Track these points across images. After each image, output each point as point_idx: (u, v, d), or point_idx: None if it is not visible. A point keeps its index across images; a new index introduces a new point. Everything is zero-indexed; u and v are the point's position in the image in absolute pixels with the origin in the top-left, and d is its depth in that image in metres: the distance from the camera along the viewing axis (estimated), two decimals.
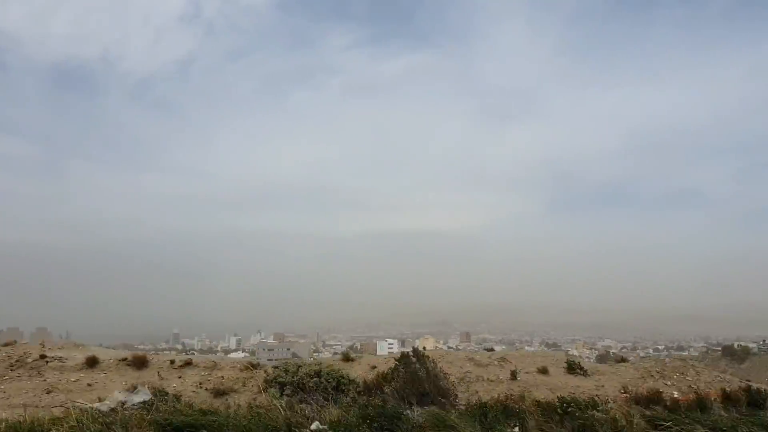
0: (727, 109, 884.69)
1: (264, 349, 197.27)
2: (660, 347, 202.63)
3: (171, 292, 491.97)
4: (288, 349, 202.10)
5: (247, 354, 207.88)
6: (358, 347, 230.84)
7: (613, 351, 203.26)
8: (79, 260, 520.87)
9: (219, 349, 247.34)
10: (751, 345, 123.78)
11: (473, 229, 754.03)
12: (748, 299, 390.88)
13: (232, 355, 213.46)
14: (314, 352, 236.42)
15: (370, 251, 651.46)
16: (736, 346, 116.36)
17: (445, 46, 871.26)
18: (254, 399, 16.80)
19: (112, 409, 11.82)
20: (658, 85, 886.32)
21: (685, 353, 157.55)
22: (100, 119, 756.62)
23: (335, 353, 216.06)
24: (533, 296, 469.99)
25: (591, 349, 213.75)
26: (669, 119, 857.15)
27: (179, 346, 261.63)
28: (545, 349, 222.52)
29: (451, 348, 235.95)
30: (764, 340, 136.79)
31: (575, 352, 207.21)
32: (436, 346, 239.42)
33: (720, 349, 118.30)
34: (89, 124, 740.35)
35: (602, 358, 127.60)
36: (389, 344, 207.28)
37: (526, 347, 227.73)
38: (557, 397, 12.80)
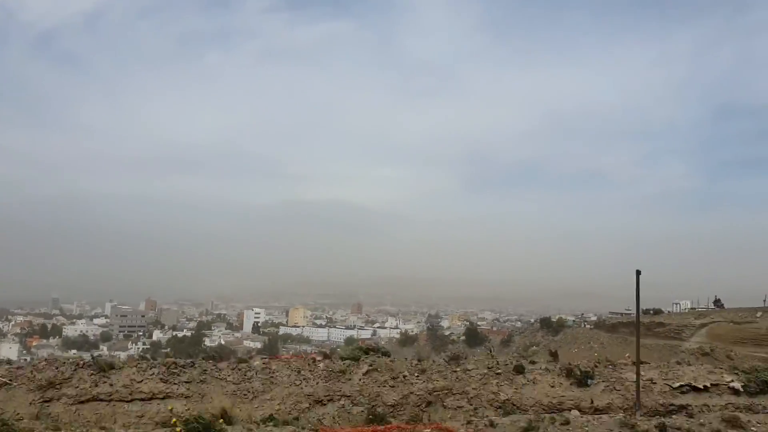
0: (634, 95, 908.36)
1: (117, 315, 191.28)
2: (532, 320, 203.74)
3: (61, 256, 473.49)
4: (142, 316, 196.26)
5: (108, 320, 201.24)
6: (234, 318, 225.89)
7: (479, 324, 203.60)
8: None
9: (93, 314, 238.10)
10: (569, 318, 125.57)
11: (388, 203, 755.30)
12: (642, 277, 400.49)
13: (96, 320, 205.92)
14: (190, 320, 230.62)
15: (284, 220, 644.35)
16: (553, 318, 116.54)
17: (365, 16, 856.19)
18: None
19: None
20: (571, 68, 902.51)
21: None
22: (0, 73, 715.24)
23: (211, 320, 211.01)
24: (443, 271, 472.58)
25: (464, 321, 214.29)
26: (580, 102, 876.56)
27: (56, 311, 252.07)
28: (421, 322, 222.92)
29: (330, 319, 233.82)
30: (582, 314, 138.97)
31: (445, 323, 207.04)
32: (312, 315, 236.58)
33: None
34: None
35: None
36: (256, 314, 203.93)
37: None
38: None
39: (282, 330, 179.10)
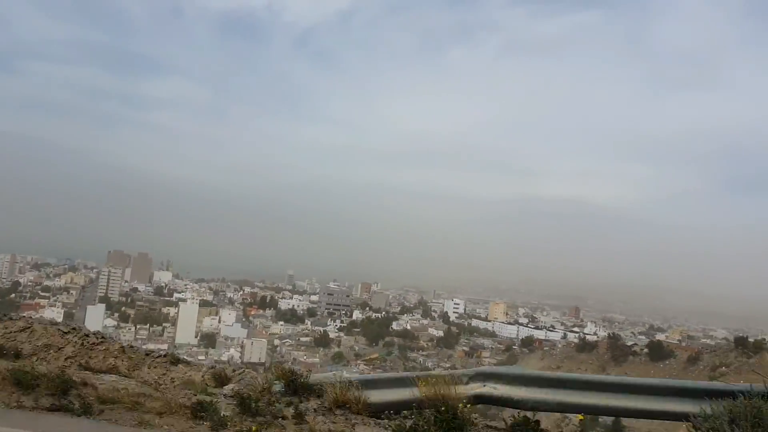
0: None
1: (325, 294, 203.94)
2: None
3: (301, 237, 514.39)
4: (347, 296, 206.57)
5: (317, 296, 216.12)
6: (426, 304, 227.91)
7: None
8: (226, 200, 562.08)
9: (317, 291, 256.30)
10: None
11: (626, 204, 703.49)
12: None
13: (313, 297, 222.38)
14: (400, 305, 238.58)
15: (516, 216, 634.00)
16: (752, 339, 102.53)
17: (615, 5, 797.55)
18: None
19: None
20: None
21: None
22: (264, 68, 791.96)
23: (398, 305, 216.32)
24: (689, 282, 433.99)
25: (686, 336, 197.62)
26: None
27: (289, 287, 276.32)
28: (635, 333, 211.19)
29: (533, 317, 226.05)
30: None
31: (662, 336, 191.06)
32: (524, 313, 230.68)
33: None
34: (254, 72, 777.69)
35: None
36: (455, 304, 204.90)
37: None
38: None
39: (475, 323, 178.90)
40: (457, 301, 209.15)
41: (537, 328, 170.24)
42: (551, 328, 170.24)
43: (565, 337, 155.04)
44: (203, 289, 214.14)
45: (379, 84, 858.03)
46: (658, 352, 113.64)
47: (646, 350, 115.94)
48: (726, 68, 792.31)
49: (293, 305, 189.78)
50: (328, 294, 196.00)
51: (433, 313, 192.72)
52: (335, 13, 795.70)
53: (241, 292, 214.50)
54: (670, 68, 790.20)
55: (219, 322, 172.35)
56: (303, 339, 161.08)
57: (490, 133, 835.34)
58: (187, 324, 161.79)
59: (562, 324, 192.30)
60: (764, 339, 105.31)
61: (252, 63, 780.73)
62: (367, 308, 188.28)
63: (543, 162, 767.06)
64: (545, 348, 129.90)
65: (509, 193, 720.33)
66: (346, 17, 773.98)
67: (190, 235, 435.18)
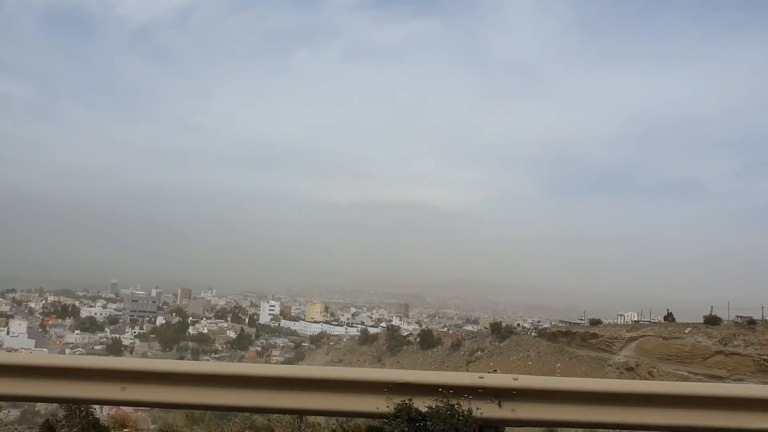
0: (735, 103, 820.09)
1: (129, 300, 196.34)
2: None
3: (131, 243, 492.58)
4: (153, 302, 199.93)
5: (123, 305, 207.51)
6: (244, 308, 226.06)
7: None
8: (55, 207, 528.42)
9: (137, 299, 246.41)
10: (524, 325, 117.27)
11: (467, 205, 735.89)
12: (735, 295, 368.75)
13: (119, 304, 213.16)
14: (227, 309, 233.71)
15: (360, 219, 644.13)
16: (504, 324, 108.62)
17: (451, 15, 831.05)
18: None
19: None
20: (667, 72, 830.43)
21: None
22: (98, 65, 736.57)
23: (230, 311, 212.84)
24: (515, 276, 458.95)
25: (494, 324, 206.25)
26: (675, 108, 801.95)
27: (113, 295, 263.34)
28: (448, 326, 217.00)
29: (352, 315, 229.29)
30: (539, 321, 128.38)
31: (474, 327, 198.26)
32: (327, 313, 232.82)
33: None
34: (87, 68, 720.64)
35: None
36: (271, 306, 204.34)
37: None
38: None
39: (284, 323, 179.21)
40: (272, 303, 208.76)
41: (339, 324, 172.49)
42: (352, 325, 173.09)
43: (366, 331, 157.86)
44: (4, 300, 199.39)
45: (224, 85, 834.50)
46: (428, 340, 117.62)
47: (418, 339, 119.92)
48: (551, 80, 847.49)
49: (93, 313, 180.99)
50: (133, 301, 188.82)
51: (242, 316, 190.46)
52: (173, 9, 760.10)
53: (43, 302, 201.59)
54: (502, 77, 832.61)
55: (7, 333, 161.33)
56: (97, 347, 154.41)
57: (337, 138, 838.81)
58: None
59: (374, 320, 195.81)
60: (518, 324, 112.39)
61: (83, 59, 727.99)
62: (173, 314, 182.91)
63: (388, 166, 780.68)
64: (331, 343, 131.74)
65: (356, 197, 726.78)
66: (184, 14, 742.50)
67: (4, 243, 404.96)
